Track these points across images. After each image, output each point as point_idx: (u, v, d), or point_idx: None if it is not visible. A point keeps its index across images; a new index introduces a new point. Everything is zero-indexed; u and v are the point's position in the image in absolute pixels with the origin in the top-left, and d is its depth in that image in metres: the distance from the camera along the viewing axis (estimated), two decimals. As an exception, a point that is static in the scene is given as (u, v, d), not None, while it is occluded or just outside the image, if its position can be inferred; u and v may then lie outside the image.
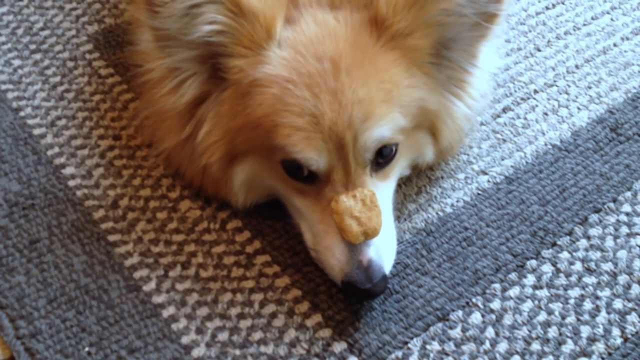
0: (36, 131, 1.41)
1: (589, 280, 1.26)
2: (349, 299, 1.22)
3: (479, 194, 1.37)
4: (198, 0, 1.11)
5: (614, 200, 1.37)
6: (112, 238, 1.27)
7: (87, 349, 1.14)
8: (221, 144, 1.22)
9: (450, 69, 1.25)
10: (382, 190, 1.23)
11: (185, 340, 1.16)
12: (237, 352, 1.16)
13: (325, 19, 1.20)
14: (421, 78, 1.21)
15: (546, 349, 1.18)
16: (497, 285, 1.25)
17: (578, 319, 1.22)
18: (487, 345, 1.18)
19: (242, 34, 1.15)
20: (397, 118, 1.18)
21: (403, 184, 1.37)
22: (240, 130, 1.20)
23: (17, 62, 1.53)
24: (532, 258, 1.29)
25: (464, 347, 1.18)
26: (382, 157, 1.20)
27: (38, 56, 1.54)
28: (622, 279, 1.27)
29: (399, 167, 1.28)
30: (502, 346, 1.18)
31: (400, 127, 1.19)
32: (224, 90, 1.20)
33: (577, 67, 1.59)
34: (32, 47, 1.56)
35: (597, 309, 1.23)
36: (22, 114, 1.44)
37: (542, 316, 1.22)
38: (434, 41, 1.20)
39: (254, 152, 1.22)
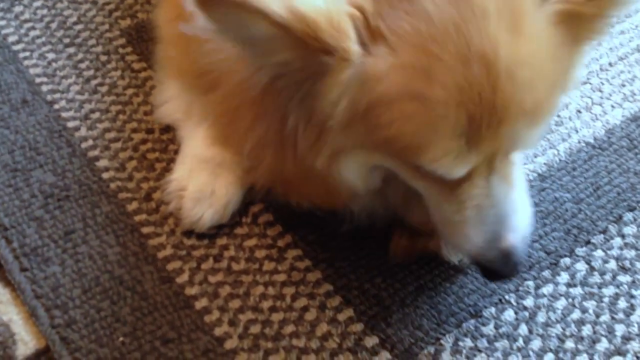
0: (70, 124, 1.42)
1: (624, 278, 1.25)
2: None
3: (511, 191, 1.36)
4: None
5: (649, 199, 1.36)
6: (145, 230, 1.28)
7: (121, 338, 1.14)
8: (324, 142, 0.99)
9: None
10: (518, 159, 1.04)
11: (218, 332, 1.17)
12: (270, 344, 1.16)
13: None
14: (582, 54, 0.96)
15: (580, 347, 1.17)
16: (530, 283, 1.24)
17: (612, 318, 1.21)
18: (521, 342, 1.17)
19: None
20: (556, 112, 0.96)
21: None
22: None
23: (51, 56, 1.54)
24: (565, 256, 1.28)
25: (497, 344, 1.17)
26: None
27: (72, 50, 1.55)
28: (658, 278, 1.26)
29: None
30: (536, 343, 1.17)
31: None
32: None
33: (610, 64, 1.58)
34: (66, 40, 1.57)
35: (632, 307, 1.22)
36: (56, 106, 1.45)
37: (576, 314, 1.21)
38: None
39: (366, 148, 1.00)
